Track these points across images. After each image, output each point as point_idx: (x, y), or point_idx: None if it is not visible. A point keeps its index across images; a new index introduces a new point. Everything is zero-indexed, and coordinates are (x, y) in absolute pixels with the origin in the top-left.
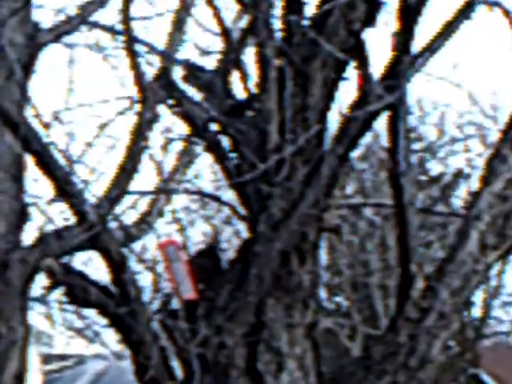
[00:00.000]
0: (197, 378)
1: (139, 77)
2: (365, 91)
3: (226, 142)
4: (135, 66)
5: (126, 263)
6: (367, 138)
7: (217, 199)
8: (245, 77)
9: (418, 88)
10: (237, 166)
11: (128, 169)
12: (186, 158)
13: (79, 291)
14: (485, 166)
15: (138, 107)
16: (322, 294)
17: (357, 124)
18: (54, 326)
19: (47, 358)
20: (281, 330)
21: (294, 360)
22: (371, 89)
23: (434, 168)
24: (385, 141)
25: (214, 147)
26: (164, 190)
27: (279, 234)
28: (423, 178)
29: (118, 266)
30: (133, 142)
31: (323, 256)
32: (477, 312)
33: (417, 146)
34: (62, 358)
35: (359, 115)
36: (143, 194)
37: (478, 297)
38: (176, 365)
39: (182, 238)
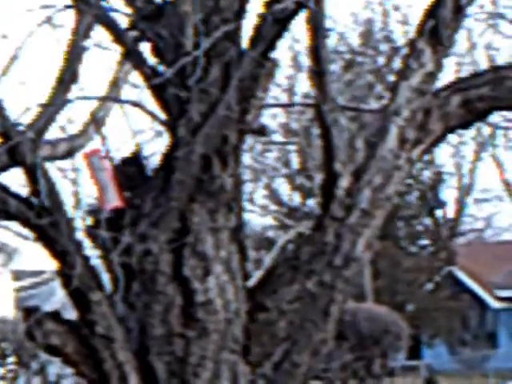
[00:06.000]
0: (121, 286)
1: None
2: None
3: (145, 47)
4: None
5: (39, 172)
6: None
7: (138, 106)
8: None
9: None
10: (155, 70)
11: (66, 79)
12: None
13: None
14: (401, 60)
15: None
16: (296, 198)
17: (271, 24)
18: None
19: (19, 275)
20: (206, 234)
21: (221, 264)
22: None
23: None
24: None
25: (133, 53)
26: (81, 97)
27: (199, 138)
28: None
29: (32, 175)
30: (70, 51)
31: (294, 161)
32: (451, 211)
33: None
34: (35, 274)
35: (272, 14)
36: (62, 103)
37: (451, 195)
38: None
39: (105, 148)
